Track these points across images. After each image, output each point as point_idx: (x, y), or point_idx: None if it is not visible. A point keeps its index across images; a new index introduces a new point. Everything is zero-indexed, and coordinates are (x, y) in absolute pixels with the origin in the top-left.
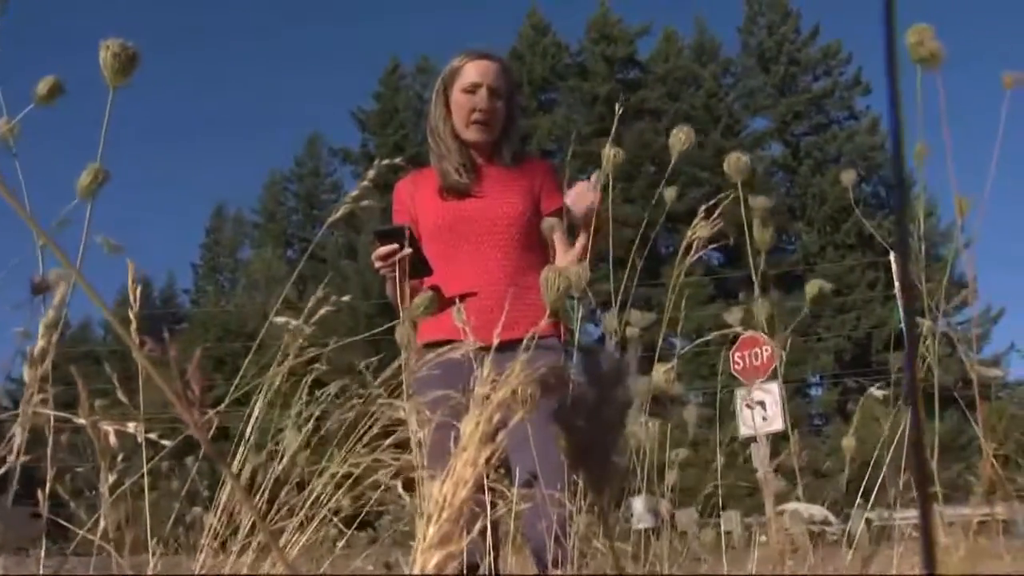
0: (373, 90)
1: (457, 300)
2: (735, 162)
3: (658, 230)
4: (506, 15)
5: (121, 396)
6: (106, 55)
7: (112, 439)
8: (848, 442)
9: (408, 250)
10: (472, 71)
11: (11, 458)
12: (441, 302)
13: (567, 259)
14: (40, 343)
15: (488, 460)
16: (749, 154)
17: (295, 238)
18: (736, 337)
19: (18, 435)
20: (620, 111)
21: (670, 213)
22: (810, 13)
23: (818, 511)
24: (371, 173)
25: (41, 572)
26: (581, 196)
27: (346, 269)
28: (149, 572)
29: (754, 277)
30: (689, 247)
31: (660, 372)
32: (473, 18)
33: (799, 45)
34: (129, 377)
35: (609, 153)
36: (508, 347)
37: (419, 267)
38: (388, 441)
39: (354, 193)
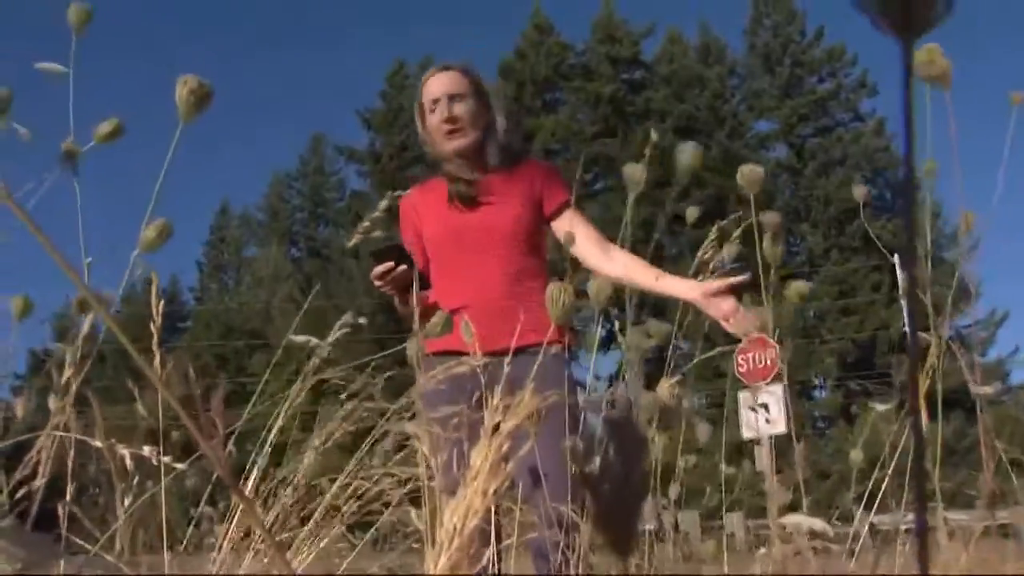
0: (378, 89)
1: (463, 313)
2: (748, 174)
3: (662, 231)
4: (510, 15)
5: (141, 408)
6: (183, 91)
7: (128, 462)
8: (856, 455)
9: (403, 267)
10: (430, 88)
11: (31, 481)
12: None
13: (616, 269)
14: (67, 372)
15: (497, 491)
16: (754, 155)
17: (300, 236)
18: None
19: (43, 461)
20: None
21: (676, 214)
22: (815, 14)
23: (819, 524)
24: (383, 203)
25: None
26: (744, 320)
27: (351, 268)
28: (166, 572)
29: (764, 293)
30: (705, 263)
31: (665, 386)
32: (477, 18)
33: (804, 47)
34: (135, 377)
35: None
36: (516, 352)
37: (416, 282)
38: (398, 456)
39: (365, 224)
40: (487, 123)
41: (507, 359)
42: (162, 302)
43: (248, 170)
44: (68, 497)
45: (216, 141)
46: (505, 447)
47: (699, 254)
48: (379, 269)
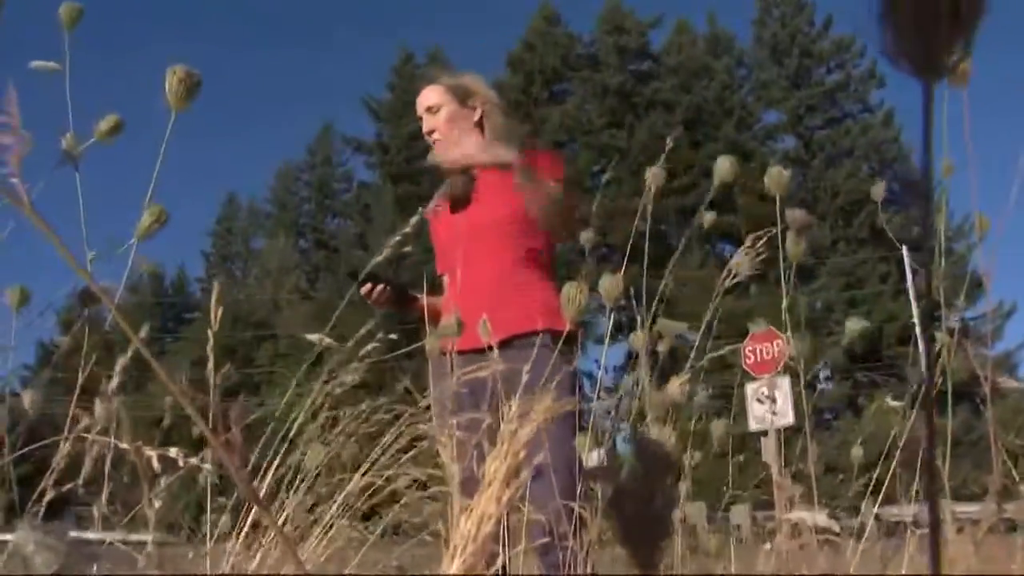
0: (386, 80)
1: (455, 310)
2: (776, 176)
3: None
4: (518, 5)
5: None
6: (172, 80)
7: (155, 464)
8: (856, 451)
9: (380, 286)
10: (417, 109)
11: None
12: (436, 316)
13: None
14: (116, 380)
15: (511, 498)
16: (761, 147)
17: (307, 227)
18: (747, 330)
19: (87, 464)
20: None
21: (680, 206)
22: (823, 5)
23: (825, 520)
24: (414, 219)
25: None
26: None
27: (357, 259)
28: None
29: (784, 292)
30: (729, 272)
31: (675, 384)
32: (485, 9)
33: (813, 37)
34: (141, 367)
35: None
36: (506, 345)
37: (401, 293)
38: (409, 455)
39: (396, 239)
40: (472, 123)
41: (497, 351)
42: (220, 308)
43: (255, 161)
44: (100, 497)
45: (223, 132)
46: (521, 455)
47: (732, 263)
48: (363, 293)
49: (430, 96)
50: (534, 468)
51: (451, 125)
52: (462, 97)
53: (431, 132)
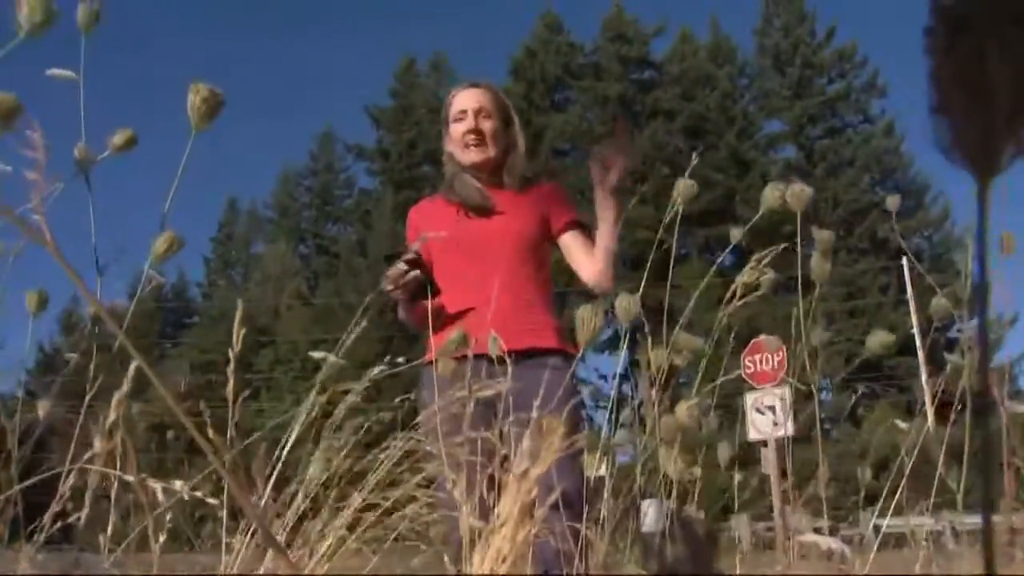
0: (388, 87)
1: (466, 319)
2: (799, 193)
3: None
4: (520, 13)
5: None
6: (195, 99)
7: (160, 496)
8: (866, 474)
9: (415, 271)
10: (459, 101)
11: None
12: (446, 319)
13: (596, 266)
14: (112, 415)
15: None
16: (763, 156)
17: (308, 233)
18: (747, 340)
19: (89, 490)
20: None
21: (684, 215)
22: (826, 15)
23: (835, 544)
24: (418, 245)
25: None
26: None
27: (358, 265)
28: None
29: (800, 310)
30: (735, 291)
31: (683, 408)
32: (488, 16)
33: (815, 47)
34: (143, 373)
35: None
36: (519, 358)
37: (422, 287)
38: (416, 479)
39: (408, 257)
40: (507, 144)
41: (513, 363)
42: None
43: (257, 166)
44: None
45: (225, 136)
46: (534, 493)
47: (737, 281)
48: (393, 271)
49: (483, 98)
50: (546, 492)
51: (493, 138)
52: (505, 121)
53: (478, 132)
